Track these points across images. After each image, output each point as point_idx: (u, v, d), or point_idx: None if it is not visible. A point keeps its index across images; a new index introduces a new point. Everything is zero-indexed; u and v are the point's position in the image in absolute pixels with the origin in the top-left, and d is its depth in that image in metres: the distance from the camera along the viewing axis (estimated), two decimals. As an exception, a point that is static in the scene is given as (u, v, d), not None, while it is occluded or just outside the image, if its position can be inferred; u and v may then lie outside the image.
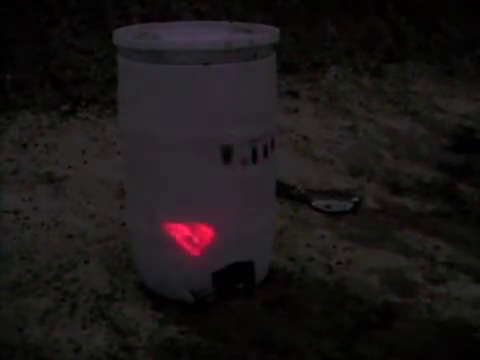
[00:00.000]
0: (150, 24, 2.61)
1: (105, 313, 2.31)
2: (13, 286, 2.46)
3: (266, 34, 2.27)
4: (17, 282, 2.48)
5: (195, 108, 2.12)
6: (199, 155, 2.16)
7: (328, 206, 3.25)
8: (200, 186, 2.20)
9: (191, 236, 2.23)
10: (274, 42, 2.27)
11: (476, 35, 6.60)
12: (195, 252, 2.25)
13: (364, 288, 2.53)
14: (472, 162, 3.99)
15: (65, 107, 4.13)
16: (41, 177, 3.37)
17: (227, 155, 2.17)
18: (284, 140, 4.00)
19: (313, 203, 3.27)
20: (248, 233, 2.32)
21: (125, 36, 2.26)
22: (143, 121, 2.20)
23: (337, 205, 3.26)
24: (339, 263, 2.71)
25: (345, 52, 5.87)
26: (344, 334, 2.23)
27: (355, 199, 3.33)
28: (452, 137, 4.47)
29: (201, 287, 2.32)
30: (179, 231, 2.23)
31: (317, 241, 2.90)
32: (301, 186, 3.42)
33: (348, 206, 3.26)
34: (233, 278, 2.36)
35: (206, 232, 2.23)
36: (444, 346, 2.19)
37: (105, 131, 3.93)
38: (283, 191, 3.23)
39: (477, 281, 2.63)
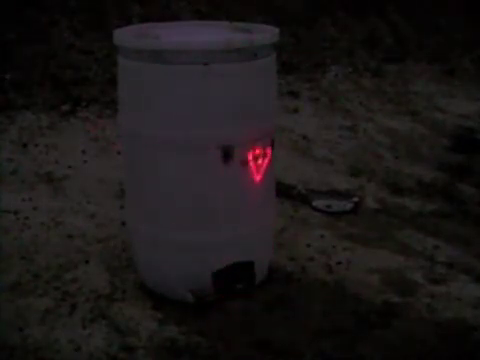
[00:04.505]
0: (150, 24, 2.61)
1: (105, 313, 2.31)
2: (13, 286, 2.46)
3: (266, 34, 2.27)
4: (17, 282, 2.48)
5: (195, 108, 2.12)
6: (199, 155, 2.16)
7: (328, 206, 3.25)
8: (200, 186, 2.20)
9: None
10: (274, 42, 2.27)
11: (476, 35, 6.60)
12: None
13: (364, 288, 2.53)
14: (472, 162, 3.99)
15: (65, 107, 4.13)
16: (41, 177, 3.37)
17: (227, 155, 2.17)
18: (284, 140, 4.00)
19: (313, 203, 3.27)
20: (248, 233, 2.32)
21: (125, 36, 2.26)
22: (143, 121, 2.20)
23: (337, 205, 3.27)
24: (339, 263, 2.71)
25: (345, 52, 5.88)
26: (344, 334, 2.23)
27: (355, 199, 3.33)
28: (452, 137, 4.47)
29: (201, 287, 2.33)
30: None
31: (317, 241, 2.90)
32: (301, 186, 3.42)
33: (348, 206, 3.26)
34: (233, 278, 2.36)
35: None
36: (444, 346, 2.19)
37: (105, 131, 3.93)
38: (283, 191, 3.23)
39: (477, 281, 2.63)
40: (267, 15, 5.38)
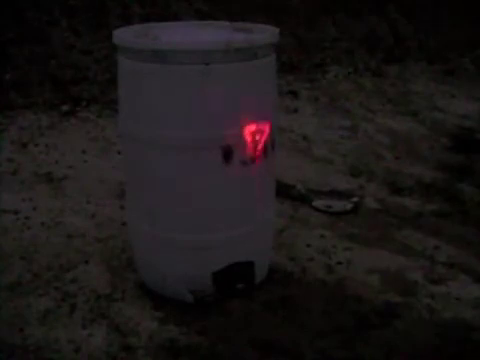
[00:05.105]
0: (150, 24, 2.60)
1: (105, 313, 2.31)
2: (13, 286, 2.46)
3: (266, 34, 2.27)
4: (17, 282, 2.48)
5: (195, 108, 2.12)
6: (199, 155, 2.16)
7: (328, 206, 3.25)
8: (200, 186, 2.20)
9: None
10: (274, 42, 2.26)
11: (476, 35, 6.61)
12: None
13: (364, 288, 2.52)
14: (472, 162, 3.99)
15: (65, 107, 4.13)
16: (41, 177, 3.37)
17: (227, 155, 2.17)
18: (284, 140, 4.00)
19: (313, 203, 3.27)
20: (248, 233, 2.32)
21: (125, 36, 2.26)
22: (143, 121, 2.20)
23: (337, 205, 3.26)
24: (339, 263, 2.71)
25: (345, 52, 5.89)
26: (344, 334, 2.23)
27: (355, 199, 3.33)
28: (452, 137, 4.48)
29: (201, 287, 2.33)
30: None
31: (317, 241, 2.90)
32: (301, 186, 3.42)
33: (348, 206, 3.26)
34: (233, 278, 2.36)
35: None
36: (444, 346, 2.19)
37: (105, 131, 3.93)
38: (283, 191, 3.23)
39: (477, 281, 2.62)
40: (267, 15, 5.38)
